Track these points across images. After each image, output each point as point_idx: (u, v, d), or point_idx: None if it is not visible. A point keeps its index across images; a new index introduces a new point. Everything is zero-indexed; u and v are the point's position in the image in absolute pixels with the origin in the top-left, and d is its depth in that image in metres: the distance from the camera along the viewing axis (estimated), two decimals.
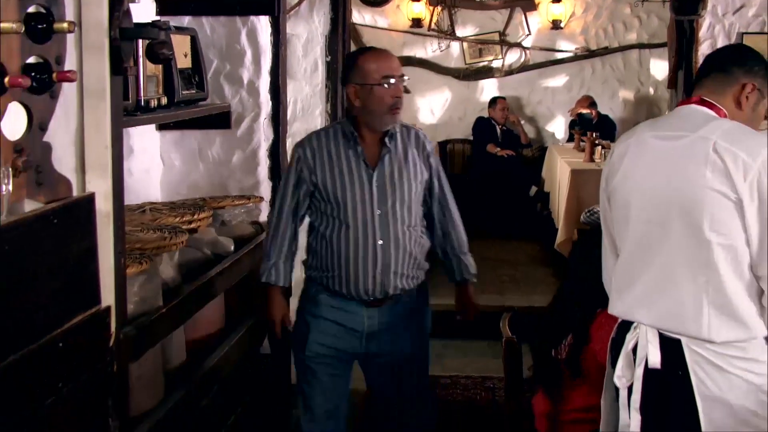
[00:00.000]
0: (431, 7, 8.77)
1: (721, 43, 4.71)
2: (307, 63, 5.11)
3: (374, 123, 3.00)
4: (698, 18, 4.82)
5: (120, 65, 2.24)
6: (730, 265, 2.13)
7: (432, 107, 9.08)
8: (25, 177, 1.96)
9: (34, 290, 1.93)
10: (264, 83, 4.21)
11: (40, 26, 1.95)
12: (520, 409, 2.98)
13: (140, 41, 2.75)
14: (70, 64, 2.13)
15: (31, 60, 1.97)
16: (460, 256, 3.25)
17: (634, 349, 2.26)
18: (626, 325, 2.31)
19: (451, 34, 8.88)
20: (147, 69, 2.92)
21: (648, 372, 2.22)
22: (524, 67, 8.94)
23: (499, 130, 8.49)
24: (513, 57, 8.94)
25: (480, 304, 5.63)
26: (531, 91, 9.03)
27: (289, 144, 4.20)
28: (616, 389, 2.31)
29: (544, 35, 8.90)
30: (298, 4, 4.91)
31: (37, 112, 1.99)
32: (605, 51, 8.86)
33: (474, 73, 9.00)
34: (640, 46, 8.81)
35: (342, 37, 5.36)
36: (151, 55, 2.49)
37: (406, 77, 3.03)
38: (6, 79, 1.84)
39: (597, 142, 6.90)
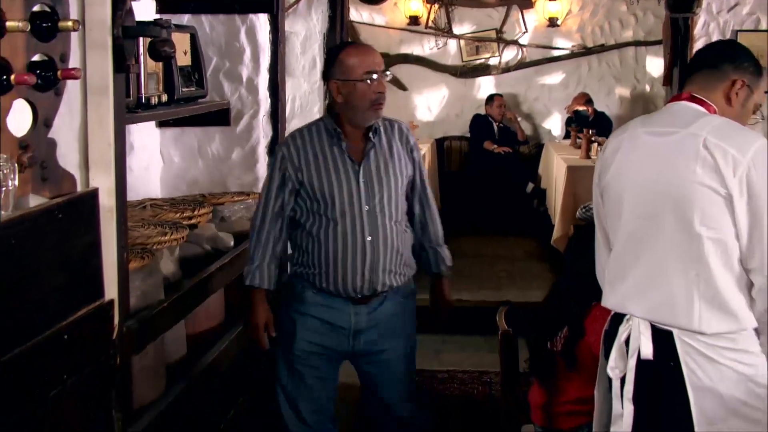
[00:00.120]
0: (428, 5, 8.80)
1: (715, 40, 4.75)
2: (305, 60, 5.15)
3: (357, 119, 2.96)
4: (693, 16, 4.87)
5: (123, 63, 2.28)
6: (720, 259, 2.17)
7: (429, 104, 9.11)
8: (30, 172, 2.01)
9: (40, 283, 1.97)
10: (263, 80, 4.25)
11: (45, 25, 1.99)
12: (517, 402, 3.02)
13: (141, 39, 2.80)
14: (74, 61, 2.17)
15: (36, 58, 2.01)
16: (437, 249, 3.23)
17: (627, 341, 2.30)
18: (619, 318, 2.35)
19: (448, 32, 8.92)
20: (147, 66, 2.96)
21: (640, 363, 2.27)
22: (521, 65, 8.98)
23: (496, 127, 8.53)
24: (510, 54, 8.97)
25: (477, 299, 5.75)
26: (528, 88, 9.06)
27: None
28: (609, 380, 2.35)
29: (540, 33, 8.93)
30: (297, 2, 4.94)
31: (42, 109, 2.03)
32: (602, 48, 8.89)
33: (471, 71, 9.04)
34: (636, 43, 8.84)
35: (340, 35, 5.40)
36: (154, 53, 2.53)
37: (388, 72, 3.00)
38: (12, 77, 1.88)
39: (593, 139, 6.93)
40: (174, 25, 3.45)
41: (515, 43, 8.93)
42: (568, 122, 8.31)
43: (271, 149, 4.22)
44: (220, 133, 4.26)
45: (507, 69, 8.98)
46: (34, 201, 2.03)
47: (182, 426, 2.96)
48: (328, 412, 3.14)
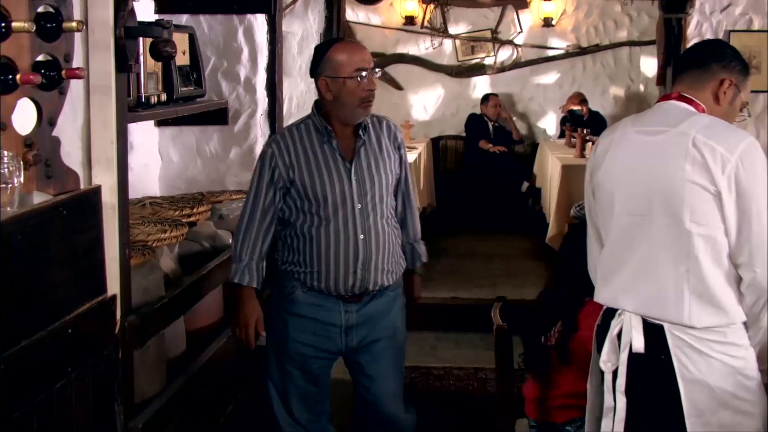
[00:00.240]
0: (424, 5, 8.82)
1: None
2: (302, 60, 5.19)
3: (346, 116, 2.92)
4: (686, 16, 4.92)
5: (125, 63, 2.33)
6: (709, 255, 2.22)
7: (425, 104, 9.14)
8: (35, 170, 2.05)
9: (46, 278, 2.02)
10: (260, 80, 4.29)
11: (49, 25, 2.03)
12: (511, 396, 3.06)
13: (141, 39, 2.83)
14: (77, 61, 2.22)
15: (41, 58, 2.06)
16: (414, 244, 3.18)
17: (619, 335, 2.35)
18: (611, 312, 2.39)
19: (443, 32, 8.95)
20: (147, 66, 3.00)
21: (632, 356, 2.31)
22: (516, 65, 9.01)
23: (491, 127, 8.56)
24: (505, 54, 9.00)
25: (472, 297, 5.80)
26: (523, 87, 9.10)
27: None
28: (602, 374, 2.40)
29: (535, 33, 8.96)
30: (294, 2, 4.98)
31: (46, 107, 2.08)
32: (596, 48, 8.93)
33: (466, 70, 9.07)
34: (631, 43, 8.87)
35: (336, 35, 5.45)
36: (155, 53, 2.57)
37: (377, 70, 2.96)
38: (18, 76, 1.93)
39: (588, 138, 6.96)
40: (173, 25, 3.50)
41: (510, 43, 8.97)
42: (563, 122, 8.34)
43: None
44: (218, 132, 4.30)
45: (502, 69, 9.01)
46: (39, 198, 2.07)
47: (182, 420, 3.00)
48: (323, 410, 3.12)
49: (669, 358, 2.26)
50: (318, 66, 2.92)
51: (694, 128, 2.24)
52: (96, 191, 2.28)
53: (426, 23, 8.89)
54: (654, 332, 2.28)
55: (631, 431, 2.34)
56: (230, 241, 3.60)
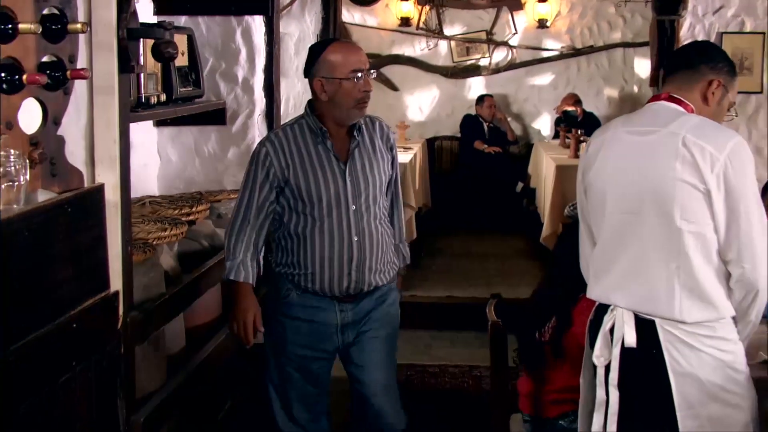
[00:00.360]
0: (419, 7, 8.87)
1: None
2: (299, 61, 5.23)
3: (341, 117, 2.91)
4: (679, 18, 4.96)
5: (127, 63, 2.37)
6: (699, 251, 2.28)
7: (420, 105, 9.18)
8: (40, 168, 2.09)
9: (52, 274, 2.06)
10: (258, 81, 4.33)
11: (54, 27, 2.07)
12: (506, 392, 3.10)
13: (142, 40, 2.87)
14: (81, 62, 2.26)
15: (46, 59, 2.10)
16: (399, 245, 3.16)
17: (611, 330, 2.40)
18: (604, 308, 2.45)
19: (439, 33, 8.99)
20: (147, 67, 3.03)
21: (624, 351, 2.37)
22: (511, 66, 9.05)
23: (486, 127, 8.60)
24: (500, 55, 9.05)
25: (467, 296, 5.84)
26: (518, 88, 9.13)
27: None
28: (594, 368, 2.45)
29: (530, 34, 9.01)
30: (291, 3, 5.03)
31: (51, 107, 2.12)
32: (590, 50, 8.97)
33: (462, 71, 9.11)
34: (625, 45, 8.92)
35: (333, 36, 5.49)
36: (157, 54, 2.61)
37: (373, 71, 2.93)
38: (24, 77, 1.97)
39: (582, 138, 7.00)
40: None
41: (505, 44, 9.01)
42: (558, 122, 8.37)
43: None
44: (216, 132, 4.34)
45: (497, 70, 9.05)
46: (44, 196, 2.11)
47: (182, 416, 3.04)
48: (322, 409, 3.12)
49: (660, 352, 2.31)
50: (313, 66, 2.90)
51: (683, 128, 2.29)
52: (99, 189, 2.33)
53: (421, 24, 8.94)
54: (646, 327, 2.34)
55: (623, 424, 2.39)
56: None
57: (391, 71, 8.96)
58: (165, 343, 3.04)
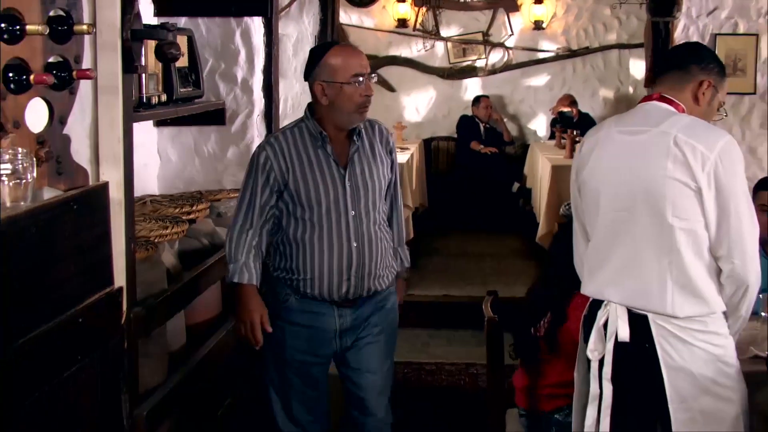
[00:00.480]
0: (416, 8, 8.91)
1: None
2: (297, 62, 5.27)
3: (342, 121, 2.89)
4: (673, 20, 5.00)
5: (131, 64, 2.41)
6: (691, 248, 2.33)
7: (417, 105, 9.22)
8: (46, 166, 2.14)
9: (58, 270, 2.10)
10: (257, 81, 4.37)
11: (61, 28, 2.12)
12: (502, 388, 3.14)
13: (144, 41, 2.92)
14: (86, 63, 2.30)
15: (52, 59, 2.14)
16: (398, 249, 3.14)
17: (605, 325, 2.45)
18: (597, 304, 2.50)
19: (435, 34, 9.03)
20: (148, 67, 3.07)
21: (618, 345, 2.42)
22: (507, 67, 9.08)
23: (482, 128, 8.63)
24: (496, 57, 9.09)
25: (463, 294, 5.88)
26: (514, 89, 9.17)
27: None
28: (588, 362, 2.50)
29: (526, 35, 9.04)
30: (289, 5, 5.07)
31: (57, 107, 2.17)
32: (586, 51, 9.01)
33: (458, 72, 9.15)
34: (620, 46, 8.96)
35: (331, 37, 5.53)
36: (160, 55, 2.65)
37: (373, 75, 2.91)
38: (31, 77, 2.02)
39: (577, 139, 7.02)
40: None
41: (501, 45, 9.05)
42: (553, 123, 8.40)
43: None
44: (215, 132, 4.37)
45: (493, 71, 9.08)
46: (50, 193, 2.16)
47: (182, 412, 3.08)
48: (321, 408, 3.12)
49: (653, 346, 2.36)
50: (313, 69, 2.88)
51: (675, 128, 2.35)
52: (104, 187, 2.37)
53: (418, 26, 8.97)
54: (639, 322, 2.39)
55: (617, 418, 2.44)
56: None
57: (388, 72, 9.00)
58: (167, 340, 3.08)
